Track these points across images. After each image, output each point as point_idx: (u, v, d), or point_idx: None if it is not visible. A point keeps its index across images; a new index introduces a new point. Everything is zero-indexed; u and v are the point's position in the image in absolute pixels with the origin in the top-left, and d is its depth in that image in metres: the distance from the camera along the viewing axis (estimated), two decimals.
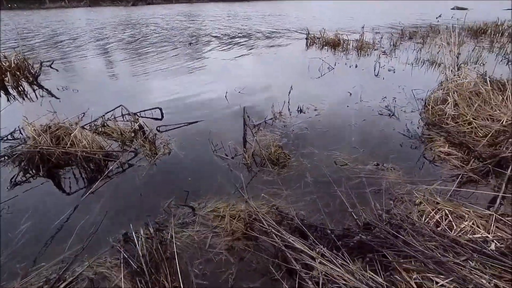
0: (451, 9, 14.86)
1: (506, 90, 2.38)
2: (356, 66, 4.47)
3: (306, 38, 7.00)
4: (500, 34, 6.39)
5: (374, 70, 4.26)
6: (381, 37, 6.74)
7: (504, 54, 4.74)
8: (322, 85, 3.77)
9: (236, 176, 1.89)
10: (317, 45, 6.47)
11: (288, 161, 2.03)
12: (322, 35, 6.72)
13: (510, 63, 3.18)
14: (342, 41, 6.30)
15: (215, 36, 8.79)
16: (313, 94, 3.41)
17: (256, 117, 2.74)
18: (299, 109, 2.91)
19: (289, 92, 3.11)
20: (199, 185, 1.81)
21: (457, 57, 2.77)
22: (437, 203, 1.54)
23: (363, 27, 9.07)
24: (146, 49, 6.92)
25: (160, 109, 2.93)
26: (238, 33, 9.17)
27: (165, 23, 13.44)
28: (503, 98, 2.34)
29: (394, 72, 4.08)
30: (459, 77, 2.57)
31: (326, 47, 6.20)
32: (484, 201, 1.61)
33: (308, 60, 4.78)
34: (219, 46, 7.14)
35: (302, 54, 5.77)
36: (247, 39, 8.07)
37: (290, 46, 6.65)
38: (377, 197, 1.64)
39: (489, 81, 2.42)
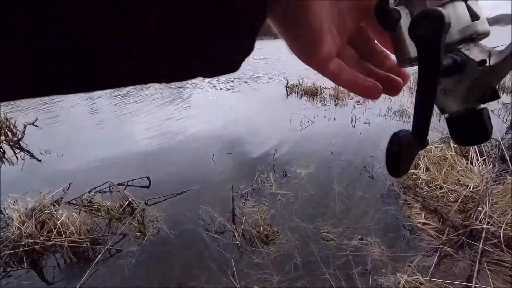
0: None
1: (468, 155, 2.64)
2: (334, 119, 4.77)
3: (286, 87, 7.46)
4: None
5: (351, 122, 4.57)
6: None
7: None
8: (304, 141, 3.97)
9: (226, 259, 1.91)
10: (296, 94, 6.88)
11: (277, 238, 2.09)
12: (301, 84, 7.20)
13: None
14: (319, 90, 6.74)
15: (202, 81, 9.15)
16: (297, 152, 3.58)
17: (244, 180, 2.84)
18: (283, 173, 3.04)
19: (274, 154, 3.26)
20: (190, 275, 1.81)
21: None
22: (420, 283, 1.63)
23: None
24: (132, 98, 7.07)
25: (148, 178, 2.97)
26: (222, 80, 9.60)
27: None
28: (466, 163, 2.58)
29: (369, 125, 4.39)
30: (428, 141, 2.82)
31: (305, 96, 6.61)
32: (462, 278, 1.72)
33: (289, 114, 5.06)
34: (203, 92, 7.42)
35: (283, 104, 6.12)
36: (232, 83, 8.45)
37: (272, 94, 7.05)
38: (364, 280, 1.71)
39: (453, 146, 2.68)
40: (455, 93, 0.27)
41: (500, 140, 3.19)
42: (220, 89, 8.33)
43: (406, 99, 5.52)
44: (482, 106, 0.28)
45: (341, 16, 0.24)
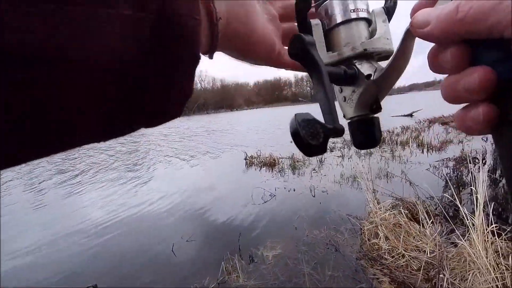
0: None
1: (419, 220, 2.83)
2: (294, 190, 4.90)
3: (245, 159, 7.68)
4: (395, 143, 8.06)
5: (311, 192, 4.72)
6: None
7: (405, 163, 5.92)
8: (268, 217, 3.92)
9: None
10: (255, 166, 7.07)
11: None
12: (259, 156, 7.51)
13: (411, 184, 3.94)
14: (277, 161, 7.05)
15: (159, 154, 8.95)
16: (262, 231, 3.49)
17: (208, 271, 2.60)
18: (250, 258, 2.88)
19: (239, 238, 3.13)
20: None
21: (374, 193, 3.30)
22: None
23: (291, 142, 10.51)
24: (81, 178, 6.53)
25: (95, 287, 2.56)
26: (180, 151, 9.57)
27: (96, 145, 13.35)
28: (419, 227, 2.75)
29: (327, 193, 4.58)
30: (381, 210, 3.00)
31: (264, 168, 6.81)
32: None
33: (251, 187, 5.10)
34: (159, 166, 7.20)
35: (244, 177, 6.19)
36: (191, 157, 8.42)
37: (232, 167, 7.14)
38: None
39: (403, 212, 2.88)
40: (351, 101, 0.32)
41: (438, 198, 3.54)
42: (178, 162, 8.23)
43: (356, 164, 6.00)
44: (373, 115, 0.33)
45: (272, 21, 0.32)
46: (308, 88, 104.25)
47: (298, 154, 7.36)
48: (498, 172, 4.61)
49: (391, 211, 2.97)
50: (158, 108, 0.21)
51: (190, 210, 4.48)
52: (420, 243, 2.58)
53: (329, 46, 0.32)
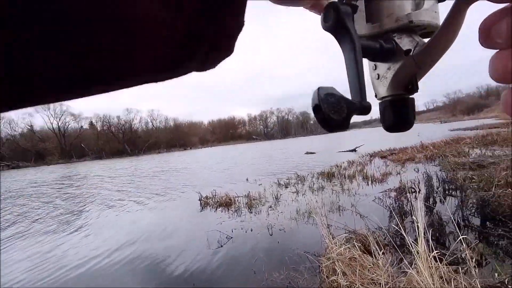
0: (305, 153, 19.72)
1: (371, 251, 2.94)
2: (251, 230, 4.77)
3: (199, 200, 7.36)
4: (344, 177, 8.59)
5: (268, 230, 4.64)
6: (264, 190, 7.83)
7: (354, 196, 6.29)
8: (225, 262, 3.69)
9: None
10: (210, 207, 6.80)
11: None
12: (214, 196, 7.28)
13: (361, 216, 4.17)
14: (233, 200, 6.90)
15: (104, 198, 8.03)
16: (219, 281, 3.25)
17: None
18: None
19: None
20: None
21: (329, 228, 3.38)
22: None
23: (247, 179, 10.49)
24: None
25: None
26: (126, 196, 8.77)
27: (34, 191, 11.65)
28: (372, 260, 2.84)
29: (285, 231, 4.55)
30: (336, 244, 3.05)
31: (220, 208, 6.58)
32: None
33: (206, 231, 4.82)
34: (107, 213, 6.44)
35: (198, 219, 5.86)
36: (140, 201, 7.73)
37: (185, 210, 6.74)
38: None
39: (357, 246, 2.97)
40: (385, 79, 0.29)
41: (385, 228, 3.76)
42: (125, 207, 7.47)
43: (310, 199, 6.17)
44: (409, 96, 0.29)
45: None
46: (261, 126, 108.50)
47: (254, 192, 7.34)
48: (431, 199, 5.17)
49: (346, 245, 3.04)
50: (215, 39, 0.19)
51: (140, 262, 4.00)
52: (374, 275, 2.64)
53: (370, 16, 0.29)
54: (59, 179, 19.68)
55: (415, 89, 0.29)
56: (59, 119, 70.10)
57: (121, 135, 75.36)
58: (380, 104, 0.30)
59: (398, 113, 0.30)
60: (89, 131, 74.72)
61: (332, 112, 0.22)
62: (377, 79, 0.30)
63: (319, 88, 0.23)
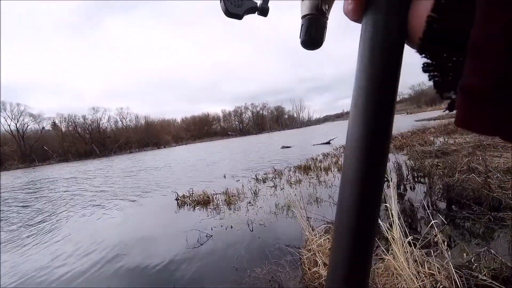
0: (281, 148, 19.94)
1: None
2: (231, 227, 4.71)
3: (176, 199, 7.15)
4: (320, 169, 8.78)
5: (248, 226, 4.61)
6: (242, 186, 7.78)
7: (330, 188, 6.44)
8: (206, 261, 3.61)
9: None
10: (188, 206, 6.63)
11: None
12: (191, 194, 7.11)
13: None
14: (211, 198, 6.78)
15: (73, 205, 7.53)
16: (201, 280, 3.16)
17: None
18: None
19: None
20: None
21: (308, 221, 3.42)
22: None
23: (224, 176, 10.39)
24: None
25: None
26: (99, 199, 8.31)
27: None
28: None
29: (265, 226, 4.55)
30: (316, 236, 3.09)
31: (198, 207, 6.44)
32: None
33: (185, 231, 4.69)
34: (78, 217, 6.04)
35: (176, 219, 5.69)
36: (114, 203, 7.35)
37: (161, 209, 6.52)
38: None
39: None
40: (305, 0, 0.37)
41: None
42: (99, 210, 7.07)
43: (288, 193, 6.23)
44: (321, 17, 0.37)
45: None
46: (237, 122, 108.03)
47: (232, 189, 7.27)
48: (402, 187, 5.42)
49: (325, 236, 3.09)
50: None
51: (117, 266, 3.80)
52: None
53: None
54: (24, 185, 18.24)
55: (325, 11, 0.36)
56: (17, 120, 64.75)
57: (88, 135, 71.29)
58: (301, 23, 0.37)
59: (309, 31, 0.37)
60: (53, 133, 69.76)
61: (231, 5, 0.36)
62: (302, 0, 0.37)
63: None
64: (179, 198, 7.17)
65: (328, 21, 0.37)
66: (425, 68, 0.21)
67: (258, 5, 0.40)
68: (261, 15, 0.40)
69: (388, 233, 2.69)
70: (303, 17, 0.37)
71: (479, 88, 0.17)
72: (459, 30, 0.18)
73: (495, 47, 0.16)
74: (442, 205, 4.28)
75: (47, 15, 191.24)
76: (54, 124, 72.03)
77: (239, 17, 0.39)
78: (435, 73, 0.21)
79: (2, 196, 13.65)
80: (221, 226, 4.83)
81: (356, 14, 0.26)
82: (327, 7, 0.36)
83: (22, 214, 8.62)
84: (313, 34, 0.37)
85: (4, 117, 63.67)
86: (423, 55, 0.21)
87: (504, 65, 0.15)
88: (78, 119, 72.70)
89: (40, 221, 7.26)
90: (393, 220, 2.78)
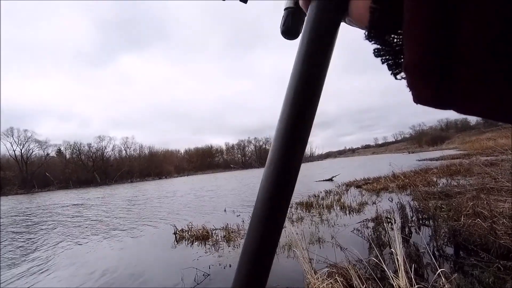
0: None
1: (354, 285, 2.89)
2: (230, 266, 4.55)
3: (174, 233, 6.97)
4: (322, 207, 8.63)
5: None
6: (243, 221, 7.61)
7: (333, 226, 6.28)
8: None
9: None
10: (186, 241, 6.44)
11: None
12: (190, 229, 6.94)
13: (341, 248, 4.15)
14: (210, 233, 6.61)
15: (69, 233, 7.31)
16: None
17: None
18: None
19: None
20: None
21: (311, 263, 3.31)
22: None
23: (225, 210, 10.21)
24: None
25: None
26: (95, 230, 8.10)
27: None
28: None
29: None
30: (319, 280, 2.97)
31: (196, 242, 6.25)
32: None
33: (181, 268, 4.51)
34: (71, 246, 5.83)
35: (172, 255, 5.50)
36: (110, 235, 7.14)
37: (158, 244, 6.32)
38: None
39: (339, 280, 2.91)
40: None
41: (365, 261, 3.74)
42: (93, 242, 6.85)
43: (290, 231, 6.06)
44: (297, 8, 0.40)
45: None
46: (239, 155, 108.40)
47: (233, 224, 7.10)
48: (407, 229, 5.29)
49: (328, 280, 2.97)
50: None
51: None
52: None
53: None
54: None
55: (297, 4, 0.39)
56: (23, 146, 65.65)
57: (91, 163, 71.53)
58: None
59: (287, 22, 0.40)
60: (57, 159, 70.22)
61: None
62: None
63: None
64: (177, 232, 7.00)
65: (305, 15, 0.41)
66: (376, 53, 0.24)
67: None
68: (241, 1, 0.44)
69: (393, 280, 2.59)
70: (284, 10, 0.42)
71: (415, 65, 0.19)
72: (398, 16, 0.20)
73: (421, 27, 0.18)
74: (449, 250, 4.14)
75: (65, 42, 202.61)
76: (59, 151, 72.80)
77: None
78: (386, 57, 0.23)
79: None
80: (219, 264, 4.65)
81: (304, 5, 0.32)
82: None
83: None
84: (289, 25, 0.41)
85: (11, 142, 64.68)
86: (372, 41, 0.23)
87: (429, 42, 0.18)
88: (84, 146, 73.65)
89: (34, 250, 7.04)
90: (398, 266, 2.69)
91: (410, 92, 0.21)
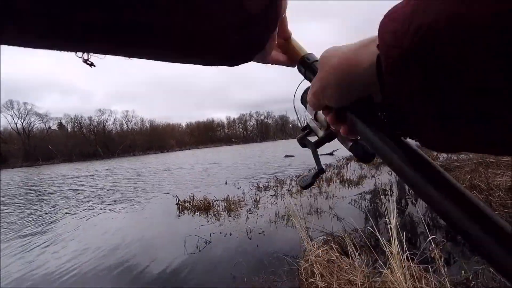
0: (284, 157, 19.92)
1: (348, 252, 3.01)
2: (230, 234, 4.72)
3: (177, 204, 7.17)
4: (321, 180, 8.77)
5: (247, 234, 4.61)
6: (243, 193, 7.79)
7: (332, 198, 6.43)
8: (203, 268, 3.62)
9: None
10: (188, 211, 6.65)
11: None
12: (192, 200, 7.13)
13: (338, 218, 4.28)
14: (211, 204, 6.79)
15: (77, 204, 7.58)
16: (196, 282, 3.17)
17: None
18: None
19: None
20: None
21: (307, 231, 3.43)
22: None
23: (226, 183, 10.40)
24: None
25: None
26: (101, 201, 8.36)
27: None
28: (349, 261, 2.91)
29: (264, 235, 4.55)
30: (315, 246, 3.09)
31: (198, 212, 6.45)
32: None
33: (183, 236, 4.70)
34: (78, 220, 6.08)
35: (175, 224, 5.71)
36: (115, 206, 7.39)
37: (162, 214, 6.54)
38: None
39: (334, 247, 3.03)
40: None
41: (361, 230, 3.87)
42: (100, 212, 7.11)
43: (289, 202, 6.22)
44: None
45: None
46: (241, 129, 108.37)
47: (233, 196, 7.28)
48: (403, 201, 5.40)
49: (324, 247, 3.09)
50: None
51: (114, 268, 3.82)
52: (351, 276, 2.70)
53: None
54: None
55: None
56: (24, 119, 65.70)
57: (93, 136, 71.94)
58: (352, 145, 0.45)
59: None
60: (58, 133, 70.58)
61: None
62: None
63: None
64: (179, 202, 7.19)
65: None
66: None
67: None
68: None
69: (386, 247, 2.69)
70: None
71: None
72: None
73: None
74: (443, 221, 4.25)
75: None
76: (60, 124, 73.01)
77: None
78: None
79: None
80: (220, 233, 4.83)
81: None
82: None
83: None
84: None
85: (11, 115, 64.71)
86: None
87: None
88: (85, 120, 73.66)
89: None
90: (391, 235, 2.78)
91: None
